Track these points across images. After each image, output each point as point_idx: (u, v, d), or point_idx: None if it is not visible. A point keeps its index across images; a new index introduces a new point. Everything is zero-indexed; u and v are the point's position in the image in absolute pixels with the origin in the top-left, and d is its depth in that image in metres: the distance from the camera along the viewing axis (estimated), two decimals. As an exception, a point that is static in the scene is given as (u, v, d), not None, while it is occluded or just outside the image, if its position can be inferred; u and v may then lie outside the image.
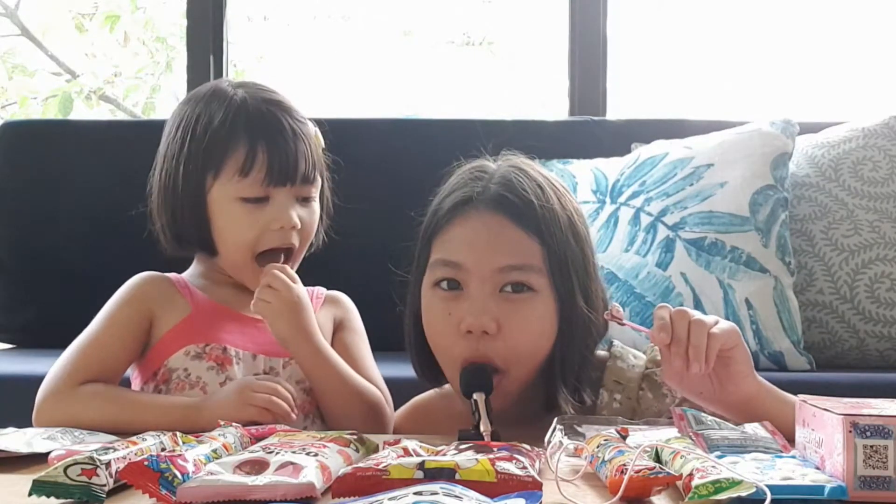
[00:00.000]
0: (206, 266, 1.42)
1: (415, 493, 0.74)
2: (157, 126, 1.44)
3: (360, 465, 0.85)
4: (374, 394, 1.36)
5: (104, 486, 0.84)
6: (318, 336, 1.33)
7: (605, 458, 0.90)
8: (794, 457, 0.93)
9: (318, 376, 1.33)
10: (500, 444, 0.94)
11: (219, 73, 2.77)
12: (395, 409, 1.40)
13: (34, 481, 0.83)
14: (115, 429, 1.17)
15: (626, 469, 0.84)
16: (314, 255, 1.43)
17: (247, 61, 3.97)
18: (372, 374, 1.40)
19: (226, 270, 1.40)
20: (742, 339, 1.16)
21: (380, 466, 0.83)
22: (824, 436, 0.87)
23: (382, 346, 1.50)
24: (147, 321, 1.35)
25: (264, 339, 1.36)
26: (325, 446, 0.94)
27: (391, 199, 1.98)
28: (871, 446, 0.82)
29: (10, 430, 1.12)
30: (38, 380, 1.30)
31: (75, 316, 1.40)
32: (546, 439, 1.05)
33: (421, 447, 0.93)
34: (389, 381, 1.42)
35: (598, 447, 0.94)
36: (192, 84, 2.73)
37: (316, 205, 1.40)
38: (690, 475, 0.82)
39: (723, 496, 0.79)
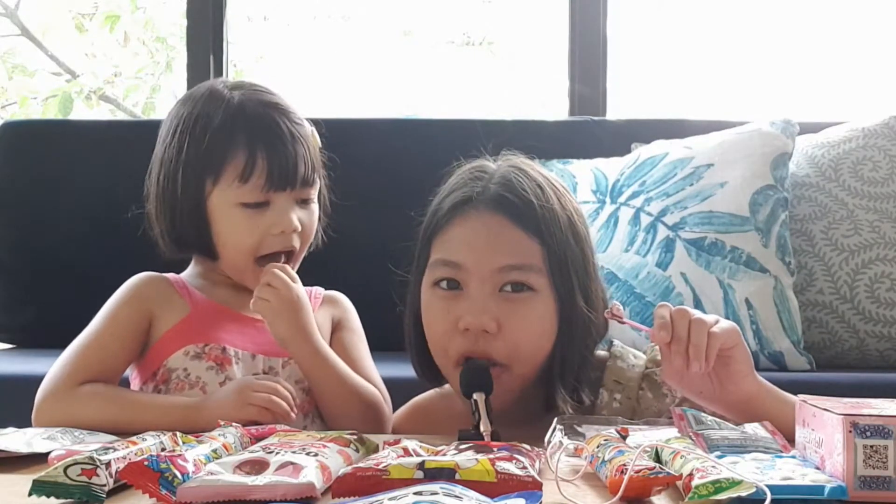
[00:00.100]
0: (204, 266, 1.42)
1: (415, 493, 0.74)
2: (157, 126, 1.44)
3: (360, 465, 0.85)
4: (373, 393, 1.36)
5: (104, 486, 0.84)
6: (317, 336, 1.33)
7: (605, 458, 0.90)
8: (794, 457, 0.93)
9: (317, 376, 1.33)
10: (500, 444, 0.94)
11: (219, 73, 2.76)
12: (395, 409, 1.40)
13: (34, 481, 0.83)
14: (114, 429, 1.17)
15: (626, 469, 0.84)
16: (314, 256, 1.43)
17: (247, 61, 3.97)
18: (370, 374, 1.40)
19: (226, 272, 1.40)
20: (742, 339, 1.16)
21: (380, 466, 0.83)
22: (824, 436, 0.87)
23: (382, 346, 1.50)
24: (146, 321, 1.35)
25: (263, 338, 1.36)
26: (325, 446, 0.94)
27: (391, 199, 1.97)
28: (871, 446, 0.82)
29: (10, 430, 1.12)
30: (37, 380, 1.30)
31: (75, 316, 1.40)
32: (546, 439, 1.05)
33: (421, 447, 0.93)
34: (389, 381, 1.42)
35: (598, 447, 0.94)
36: (192, 84, 2.73)
37: (315, 206, 1.40)
38: (690, 475, 0.82)
39: (723, 496, 0.79)
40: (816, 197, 2.10)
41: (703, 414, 1.07)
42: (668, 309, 1.13)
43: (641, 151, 2.18)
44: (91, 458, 0.85)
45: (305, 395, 1.35)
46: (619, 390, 1.29)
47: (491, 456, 0.86)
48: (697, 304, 1.92)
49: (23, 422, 1.22)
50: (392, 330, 1.34)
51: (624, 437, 1.02)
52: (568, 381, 1.24)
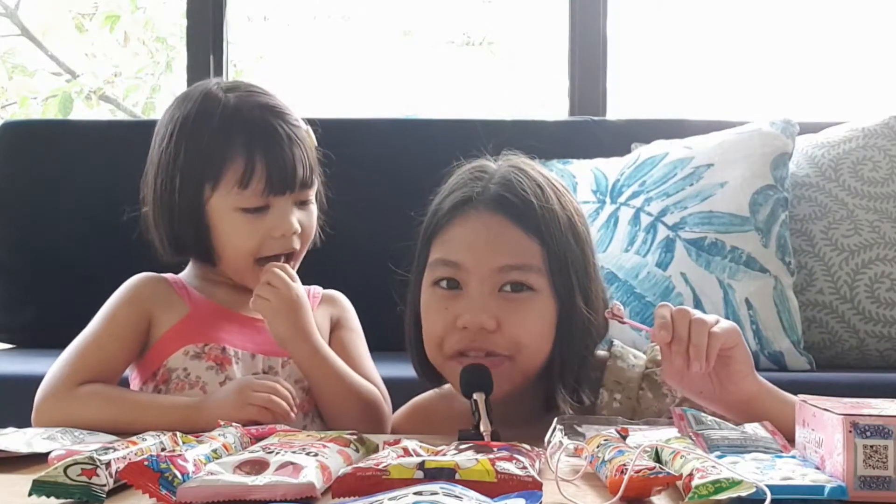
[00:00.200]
0: (203, 267, 1.42)
1: (415, 493, 0.74)
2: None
3: (360, 465, 0.85)
4: (372, 392, 1.36)
5: (104, 486, 0.84)
6: (316, 335, 1.33)
7: (605, 458, 0.90)
8: (794, 457, 0.93)
9: (316, 375, 1.33)
10: (500, 444, 0.94)
11: (219, 73, 2.76)
12: (395, 409, 1.40)
13: (34, 481, 0.83)
14: (114, 429, 1.17)
15: (626, 469, 0.84)
16: (315, 255, 1.43)
17: (247, 61, 3.97)
18: (370, 373, 1.40)
19: (226, 274, 1.40)
20: (742, 339, 1.16)
21: (380, 466, 0.83)
22: (824, 436, 0.87)
23: (382, 346, 1.50)
24: (145, 321, 1.35)
25: (263, 338, 1.36)
26: (325, 446, 0.94)
27: (391, 199, 1.98)
28: (871, 446, 0.82)
29: (10, 430, 1.12)
30: (37, 380, 1.30)
31: (75, 316, 1.40)
32: (546, 439, 1.05)
33: (421, 447, 0.93)
34: (389, 381, 1.42)
35: (598, 447, 0.94)
36: (192, 84, 2.72)
37: (314, 206, 1.40)
38: (690, 475, 0.82)
39: (723, 496, 0.79)
40: (816, 197, 2.10)
41: (703, 414, 1.07)
42: (669, 309, 1.13)
43: (641, 151, 2.18)
44: (91, 458, 0.85)
45: (305, 394, 1.35)
46: (620, 390, 1.29)
47: (491, 456, 0.86)
48: (697, 304, 1.92)
49: (23, 422, 1.22)
50: (392, 330, 1.34)
51: (624, 437, 1.02)
52: (568, 382, 1.24)
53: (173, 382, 1.32)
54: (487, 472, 0.82)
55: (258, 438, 1.04)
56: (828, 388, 1.40)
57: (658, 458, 0.92)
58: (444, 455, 0.89)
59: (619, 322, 1.21)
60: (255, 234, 1.34)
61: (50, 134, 2.52)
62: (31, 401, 1.28)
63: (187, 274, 1.43)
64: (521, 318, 1.20)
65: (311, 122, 1.43)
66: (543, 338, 1.22)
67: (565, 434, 1.05)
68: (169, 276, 1.41)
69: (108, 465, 0.85)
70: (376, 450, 1.01)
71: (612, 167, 2.17)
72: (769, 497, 0.77)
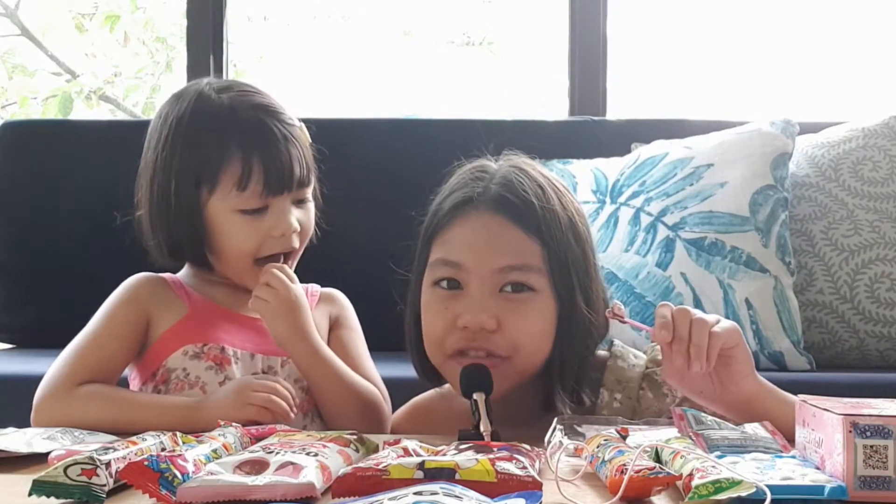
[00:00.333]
0: (202, 267, 1.42)
1: (415, 493, 0.74)
2: (156, 127, 1.44)
3: (360, 465, 0.85)
4: (372, 392, 1.36)
5: (104, 486, 0.84)
6: (315, 335, 1.33)
7: (605, 458, 0.90)
8: (794, 457, 0.93)
9: (316, 375, 1.33)
10: (500, 444, 0.94)
11: (219, 73, 2.76)
12: (395, 408, 1.40)
13: (34, 481, 0.83)
14: (114, 429, 1.17)
15: (626, 469, 0.84)
16: (315, 255, 1.43)
17: (247, 61, 3.97)
18: (369, 372, 1.40)
19: (225, 275, 1.39)
20: (743, 339, 1.16)
21: (380, 466, 0.83)
22: (824, 436, 0.87)
23: (382, 345, 1.50)
24: (144, 321, 1.35)
25: (262, 338, 1.36)
26: (325, 446, 0.94)
27: (391, 198, 1.98)
28: (871, 446, 0.82)
29: (10, 430, 1.12)
30: (37, 380, 1.30)
31: (75, 316, 1.40)
32: (546, 439, 1.05)
33: (421, 447, 0.93)
34: (389, 381, 1.42)
35: (598, 447, 0.94)
36: (191, 84, 2.73)
37: (311, 204, 1.40)
38: (690, 475, 0.82)
39: (723, 496, 0.79)
40: (816, 197, 2.10)
41: (703, 414, 1.07)
42: (670, 308, 1.13)
43: (641, 151, 2.18)
44: (91, 458, 0.85)
45: (305, 394, 1.35)
46: (620, 390, 1.29)
47: (491, 456, 0.86)
48: (697, 304, 1.92)
49: (23, 422, 1.22)
50: (392, 330, 1.34)
51: (624, 437, 1.02)
52: (568, 382, 1.24)
53: (173, 382, 1.32)
54: (487, 472, 0.82)
55: (258, 438, 1.04)
56: (828, 388, 1.40)
57: (658, 458, 0.92)
58: (444, 455, 0.89)
59: (620, 322, 1.21)
60: (255, 234, 1.34)
61: (50, 134, 2.52)
62: (31, 401, 1.28)
63: (185, 274, 1.43)
64: (521, 319, 1.20)
65: (307, 121, 1.43)
66: (544, 338, 1.22)
67: (565, 434, 1.05)
68: (167, 275, 1.41)
69: (108, 465, 0.85)
70: (376, 450, 1.01)
71: (612, 167, 2.17)
72: (769, 497, 0.77)
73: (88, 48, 4.22)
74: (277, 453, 0.89)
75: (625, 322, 1.21)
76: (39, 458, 1.02)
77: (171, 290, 1.38)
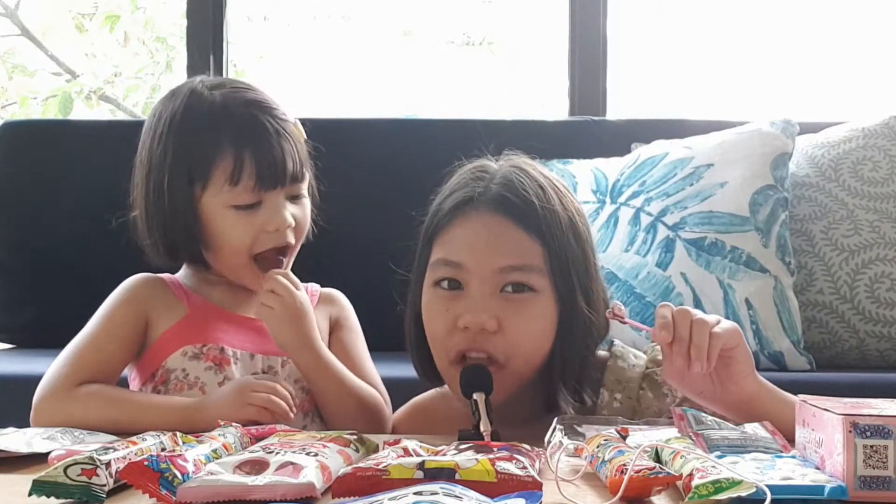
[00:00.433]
0: (199, 267, 1.42)
1: (415, 493, 0.74)
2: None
3: (360, 465, 0.85)
4: (374, 397, 1.36)
5: (104, 486, 0.84)
6: (319, 342, 1.32)
7: (605, 458, 0.90)
8: (794, 457, 0.93)
9: (319, 382, 1.33)
10: (500, 444, 0.94)
11: (219, 73, 2.76)
12: (395, 409, 1.40)
13: (34, 481, 0.83)
14: (114, 429, 1.17)
15: (626, 469, 0.84)
16: (315, 255, 1.43)
17: (247, 61, 3.97)
18: (370, 376, 1.40)
19: (223, 273, 1.39)
20: (743, 339, 1.16)
21: (380, 466, 0.83)
22: (824, 436, 0.87)
23: (382, 346, 1.50)
24: (143, 322, 1.35)
25: (261, 338, 1.36)
26: (325, 446, 0.94)
27: (391, 199, 1.98)
28: (871, 446, 0.82)
29: (10, 430, 1.12)
30: (37, 380, 1.30)
31: (75, 316, 1.40)
32: (546, 439, 1.05)
33: (421, 447, 0.93)
34: (389, 381, 1.42)
35: (598, 447, 0.94)
36: (191, 84, 2.73)
37: (307, 200, 1.39)
38: (690, 475, 0.82)
39: (723, 496, 0.79)
40: (816, 197, 2.10)
41: (703, 414, 1.07)
42: (670, 309, 1.13)
43: (641, 151, 2.18)
44: (91, 458, 0.85)
45: (305, 394, 1.35)
46: (620, 390, 1.29)
47: (491, 456, 0.86)
48: (697, 304, 1.92)
49: (23, 422, 1.22)
50: (392, 330, 1.34)
51: (624, 437, 1.02)
52: (569, 382, 1.24)
53: (172, 383, 1.32)
54: (487, 472, 0.82)
55: (258, 438, 1.04)
56: (828, 388, 1.40)
57: (658, 458, 0.92)
58: (444, 455, 0.89)
59: (620, 322, 1.21)
60: (249, 230, 1.33)
61: (50, 134, 2.52)
62: (31, 401, 1.27)
63: (184, 274, 1.43)
64: (521, 320, 1.20)
65: (307, 121, 1.43)
66: (544, 338, 1.22)
67: (565, 434, 1.05)
68: (166, 276, 1.41)
69: (108, 465, 0.85)
70: (376, 450, 1.01)
71: (612, 167, 2.17)
72: (769, 497, 0.77)
73: (88, 48, 4.22)
74: (277, 453, 0.89)
75: (625, 322, 1.21)
76: (39, 458, 1.02)
77: (170, 290, 1.38)
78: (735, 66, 3.37)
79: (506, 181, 1.24)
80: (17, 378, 1.77)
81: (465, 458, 0.85)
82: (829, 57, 3.29)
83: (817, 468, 0.88)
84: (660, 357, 1.22)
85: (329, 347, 1.37)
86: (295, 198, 1.37)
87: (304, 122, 1.42)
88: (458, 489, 0.76)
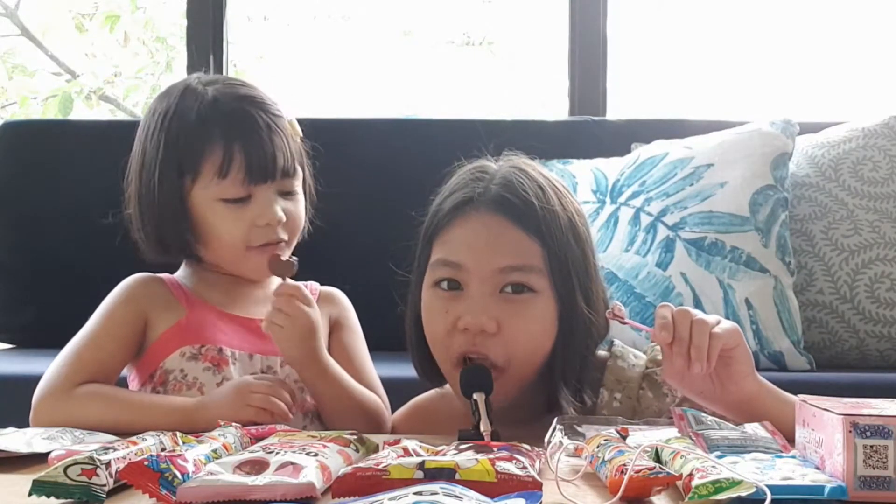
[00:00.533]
0: (197, 267, 1.42)
1: (415, 493, 0.74)
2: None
3: (360, 465, 0.85)
4: (375, 403, 1.36)
5: (104, 486, 0.84)
6: (325, 353, 1.32)
7: (605, 458, 0.90)
8: (794, 457, 0.93)
9: (322, 392, 1.32)
10: (500, 444, 0.94)
11: (219, 73, 2.76)
12: (395, 409, 1.40)
13: (34, 481, 0.83)
14: (115, 429, 1.17)
15: (626, 469, 0.84)
16: (315, 255, 1.43)
17: (247, 61, 3.97)
18: (370, 378, 1.40)
19: (221, 268, 1.39)
20: (743, 339, 1.16)
21: (380, 466, 0.83)
22: (824, 436, 0.87)
23: (382, 346, 1.50)
24: (142, 321, 1.35)
25: (260, 338, 1.35)
26: (325, 446, 0.94)
27: (391, 199, 1.97)
28: (871, 446, 0.82)
29: (10, 430, 1.12)
30: (37, 380, 1.30)
31: (75, 316, 1.40)
32: (546, 439, 1.05)
33: (421, 447, 0.93)
34: (389, 381, 1.42)
35: (598, 447, 0.94)
36: (191, 84, 2.73)
37: (300, 196, 1.39)
38: (690, 475, 0.82)
39: (723, 496, 0.79)
40: (816, 197, 2.10)
41: (703, 414, 1.07)
42: (670, 309, 1.13)
43: (641, 151, 2.18)
44: (91, 458, 0.85)
45: (304, 394, 1.35)
46: (620, 390, 1.29)
47: (491, 456, 0.86)
48: (697, 305, 1.92)
49: (23, 422, 1.22)
50: (392, 330, 1.34)
51: (624, 437, 1.02)
52: (569, 382, 1.24)
53: (170, 384, 1.32)
54: (487, 472, 0.82)
55: (258, 438, 1.04)
56: (828, 388, 1.40)
57: (658, 458, 0.92)
58: (444, 455, 0.89)
59: (620, 322, 1.21)
60: (239, 224, 1.33)
61: (50, 134, 2.52)
62: (31, 401, 1.27)
63: (182, 274, 1.43)
64: (521, 321, 1.20)
65: (307, 121, 1.42)
66: (544, 338, 1.22)
67: (565, 434, 1.05)
68: (165, 276, 1.41)
69: (108, 465, 0.85)
70: (376, 450, 1.01)
71: (612, 167, 2.17)
72: (769, 497, 0.77)
73: (88, 48, 4.22)
74: (277, 453, 0.89)
75: (625, 322, 1.21)
76: (39, 458, 1.02)
77: (169, 290, 1.38)
78: (735, 66, 3.37)
79: (505, 181, 1.24)
80: (17, 378, 1.77)
81: (465, 458, 0.85)
82: (829, 57, 3.29)
83: (817, 468, 0.88)
84: (660, 357, 1.22)
85: (329, 347, 1.37)
86: (287, 194, 1.36)
87: (303, 122, 1.43)
88: (458, 489, 0.76)
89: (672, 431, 1.03)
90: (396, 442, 0.95)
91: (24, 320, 2.38)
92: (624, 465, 0.85)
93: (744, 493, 0.78)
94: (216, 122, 1.32)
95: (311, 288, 1.44)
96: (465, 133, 1.63)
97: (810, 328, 2.02)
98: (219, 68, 2.78)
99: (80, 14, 4.19)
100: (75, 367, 1.29)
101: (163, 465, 0.82)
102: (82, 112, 4.06)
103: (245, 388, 1.25)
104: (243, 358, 1.35)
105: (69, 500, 0.83)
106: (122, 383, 1.39)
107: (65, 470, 0.83)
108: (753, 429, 1.03)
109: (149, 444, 0.95)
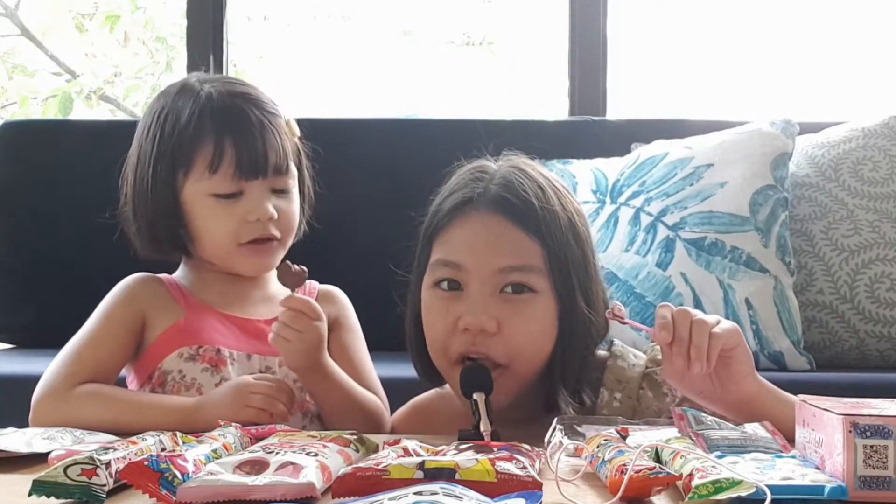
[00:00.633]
0: (195, 267, 1.42)
1: (415, 493, 0.74)
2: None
3: (360, 465, 0.85)
4: (376, 405, 1.36)
5: (104, 486, 0.84)
6: (329, 362, 1.31)
7: (605, 458, 0.90)
8: (794, 457, 0.93)
9: (324, 397, 1.32)
10: (500, 444, 0.94)
11: (218, 73, 2.76)
12: (395, 409, 1.40)
13: (34, 481, 0.83)
14: (114, 429, 1.17)
15: (626, 469, 0.84)
16: (315, 255, 1.43)
17: (247, 61, 3.97)
18: (369, 378, 1.39)
19: (213, 262, 1.39)
20: (743, 339, 1.16)
21: (380, 466, 0.83)
22: (824, 436, 0.87)
23: (382, 346, 1.50)
24: (140, 321, 1.35)
25: (258, 339, 1.35)
26: (325, 446, 0.94)
27: (391, 199, 1.98)
28: (871, 446, 0.82)
29: (10, 430, 1.12)
30: (37, 380, 1.30)
31: (75, 316, 1.40)
32: (546, 439, 1.05)
33: (421, 447, 0.93)
34: (389, 381, 1.42)
35: (598, 447, 0.94)
36: (191, 84, 2.73)
37: (294, 195, 1.38)
38: (690, 475, 0.82)
39: (723, 496, 0.79)
40: (816, 197, 2.10)
41: (703, 414, 1.07)
42: (670, 309, 1.13)
43: (641, 151, 2.18)
44: (91, 458, 0.85)
45: (304, 394, 1.35)
46: (620, 390, 1.29)
47: (491, 456, 0.86)
48: (697, 305, 1.92)
49: (23, 422, 1.22)
50: (392, 330, 1.34)
51: (624, 437, 1.02)
52: (569, 382, 1.24)
53: (169, 385, 1.32)
54: (487, 472, 0.82)
55: (258, 438, 1.04)
56: (828, 388, 1.40)
57: (658, 458, 0.92)
58: (444, 455, 0.89)
59: (620, 322, 1.21)
60: (230, 219, 1.33)
61: (50, 134, 2.52)
62: (31, 401, 1.27)
63: (181, 275, 1.43)
64: (521, 321, 1.20)
65: (307, 121, 1.42)
66: (544, 338, 1.22)
67: (565, 434, 1.05)
68: (164, 276, 1.41)
69: (108, 465, 0.85)
70: (376, 450, 1.01)
71: (612, 167, 2.17)
72: (769, 497, 0.77)
73: (88, 48, 4.22)
74: (277, 453, 0.89)
75: (625, 322, 1.21)
76: (39, 458, 1.02)
77: (168, 291, 1.38)
78: (735, 66, 3.37)
79: (505, 181, 1.24)
80: (17, 378, 1.77)
81: (465, 458, 0.85)
82: (829, 57, 3.29)
83: (817, 468, 0.88)
84: (660, 357, 1.21)
85: (328, 347, 1.36)
86: (280, 192, 1.36)
87: (304, 122, 1.42)
88: (458, 489, 0.76)
89: (672, 431, 1.03)
90: (396, 442, 0.95)
91: (23, 320, 2.38)
92: (624, 465, 0.85)
93: (744, 493, 0.78)
94: (209, 117, 1.33)
95: (310, 287, 1.44)
96: (465, 133, 1.64)
97: (810, 328, 2.02)
98: (219, 68, 2.78)
99: (80, 14, 4.19)
100: (74, 367, 1.29)
101: (163, 465, 0.82)
102: (82, 112, 4.06)
103: (244, 389, 1.25)
104: (241, 358, 1.35)
105: (69, 500, 0.83)
106: (121, 384, 1.39)
107: (65, 470, 0.83)
108: (753, 429, 1.03)
109: (149, 444, 0.95)
